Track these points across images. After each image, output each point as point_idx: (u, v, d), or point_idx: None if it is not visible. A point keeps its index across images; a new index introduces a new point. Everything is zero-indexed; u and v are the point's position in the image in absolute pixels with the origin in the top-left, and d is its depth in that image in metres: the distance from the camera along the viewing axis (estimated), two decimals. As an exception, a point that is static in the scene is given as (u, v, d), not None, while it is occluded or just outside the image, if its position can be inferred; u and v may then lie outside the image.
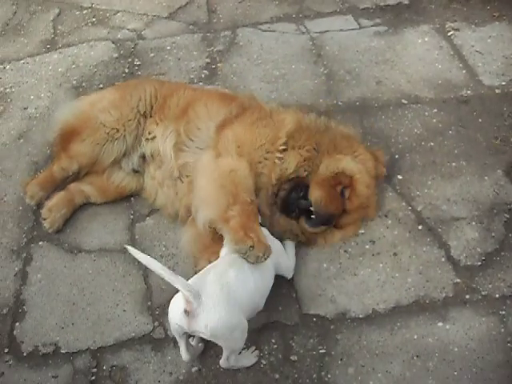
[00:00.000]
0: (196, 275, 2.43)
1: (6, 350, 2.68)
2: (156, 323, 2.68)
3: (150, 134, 3.12)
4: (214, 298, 2.26)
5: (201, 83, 3.87)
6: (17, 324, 2.76)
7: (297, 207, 2.78)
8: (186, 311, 2.24)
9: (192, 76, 3.94)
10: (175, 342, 2.58)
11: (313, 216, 2.76)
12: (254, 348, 2.55)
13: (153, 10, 4.67)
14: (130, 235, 3.03)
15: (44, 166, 3.45)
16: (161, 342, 2.61)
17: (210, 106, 3.07)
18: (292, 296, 2.71)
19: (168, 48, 4.21)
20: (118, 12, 4.71)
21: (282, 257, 2.69)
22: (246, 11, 4.52)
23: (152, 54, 4.18)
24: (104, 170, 3.19)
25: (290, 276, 2.73)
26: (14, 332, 2.73)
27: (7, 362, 2.64)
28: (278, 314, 2.65)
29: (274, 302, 2.68)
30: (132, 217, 3.12)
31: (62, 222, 3.11)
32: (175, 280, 2.20)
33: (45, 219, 3.09)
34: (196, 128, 3.01)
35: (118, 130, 3.11)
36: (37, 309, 2.79)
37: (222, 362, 2.45)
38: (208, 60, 4.07)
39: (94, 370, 2.56)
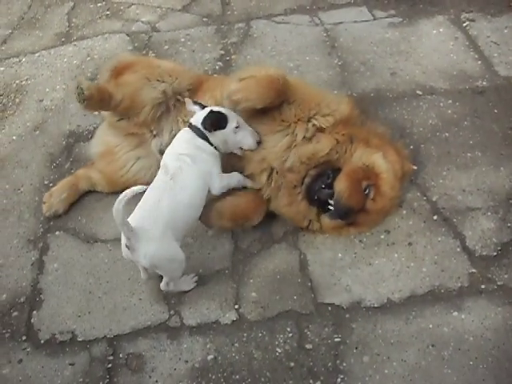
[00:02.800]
0: (135, 209, 2.55)
1: (24, 338, 2.71)
2: (172, 312, 2.69)
3: (185, 117, 3.04)
4: (150, 232, 2.45)
5: (215, 75, 3.88)
6: (34, 312, 2.79)
7: (318, 196, 2.77)
8: (126, 245, 2.46)
9: (206, 68, 3.95)
10: (191, 331, 2.61)
11: (331, 207, 2.76)
12: (194, 274, 2.76)
13: (167, 2, 4.69)
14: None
15: (59, 157, 3.49)
16: (176, 331, 2.63)
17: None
18: (307, 285, 2.72)
19: (182, 40, 4.22)
20: (132, 5, 4.73)
21: (211, 174, 2.72)
22: (260, 3, 4.52)
23: (166, 47, 4.19)
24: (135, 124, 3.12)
25: (215, 193, 2.76)
26: (32, 320, 2.76)
27: (25, 349, 2.67)
28: (293, 302, 2.66)
29: (289, 290, 2.70)
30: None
31: (61, 207, 3.15)
32: (115, 216, 2.34)
33: (44, 203, 3.14)
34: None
35: (169, 79, 3.05)
36: (53, 297, 2.82)
37: (162, 286, 2.66)
38: (222, 52, 4.08)
39: (111, 357, 2.58)
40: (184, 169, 2.63)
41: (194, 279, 2.76)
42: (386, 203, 2.80)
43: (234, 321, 2.63)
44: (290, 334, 2.56)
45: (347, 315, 2.60)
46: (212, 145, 2.72)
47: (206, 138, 2.71)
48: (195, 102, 2.82)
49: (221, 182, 2.73)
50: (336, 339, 2.53)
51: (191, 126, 2.74)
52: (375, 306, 2.62)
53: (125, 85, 3.04)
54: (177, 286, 2.70)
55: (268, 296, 2.70)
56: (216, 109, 2.75)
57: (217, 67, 3.95)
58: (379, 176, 2.76)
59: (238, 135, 2.75)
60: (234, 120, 2.74)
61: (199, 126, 2.71)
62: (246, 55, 4.01)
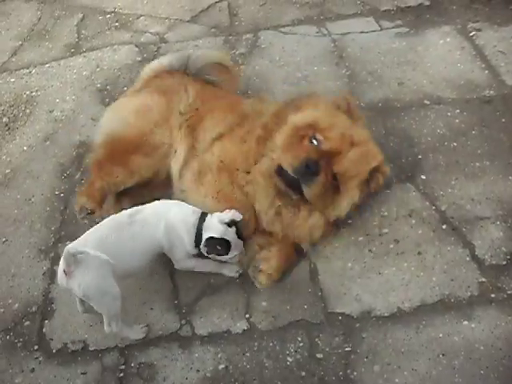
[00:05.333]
0: (81, 236, 2.59)
1: (36, 347, 2.73)
2: (183, 321, 2.71)
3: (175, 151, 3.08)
4: (89, 262, 2.41)
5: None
6: (46, 322, 2.81)
7: (288, 185, 2.73)
8: (64, 271, 2.43)
9: (215, 78, 3.97)
10: (202, 340, 2.63)
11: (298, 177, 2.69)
12: (145, 324, 2.69)
13: (175, 13, 4.73)
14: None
15: (70, 167, 3.52)
16: (188, 340, 2.64)
17: (215, 116, 3.06)
18: (317, 295, 2.73)
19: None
20: (141, 16, 4.77)
21: (176, 256, 2.72)
22: (268, 14, 4.55)
23: (175, 57, 4.22)
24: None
25: (175, 267, 2.78)
26: (44, 329, 2.79)
27: (37, 358, 2.69)
28: (304, 312, 2.67)
29: (300, 300, 2.71)
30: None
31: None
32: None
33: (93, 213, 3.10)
34: (197, 143, 3.03)
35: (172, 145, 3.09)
36: (65, 307, 2.84)
37: (106, 328, 2.56)
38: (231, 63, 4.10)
39: (122, 366, 2.60)
40: (149, 227, 2.62)
41: (143, 330, 2.67)
42: (337, 139, 2.71)
43: (244, 330, 2.64)
44: (301, 344, 2.58)
45: (357, 324, 2.61)
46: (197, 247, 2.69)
47: (198, 240, 2.65)
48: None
49: (184, 263, 2.76)
50: (346, 348, 2.54)
51: (202, 217, 2.67)
52: (385, 315, 2.63)
53: (141, 169, 3.06)
54: (123, 331, 2.61)
55: (279, 305, 2.71)
56: (230, 234, 2.64)
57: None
58: (312, 125, 2.74)
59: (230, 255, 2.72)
60: (235, 250, 2.70)
61: (204, 237, 2.62)
62: (255, 66, 4.04)
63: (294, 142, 2.74)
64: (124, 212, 2.70)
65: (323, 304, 2.70)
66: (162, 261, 2.87)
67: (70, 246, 2.41)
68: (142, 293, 2.82)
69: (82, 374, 2.61)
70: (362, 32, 4.20)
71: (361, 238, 2.93)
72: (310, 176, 2.65)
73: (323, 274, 2.80)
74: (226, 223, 2.63)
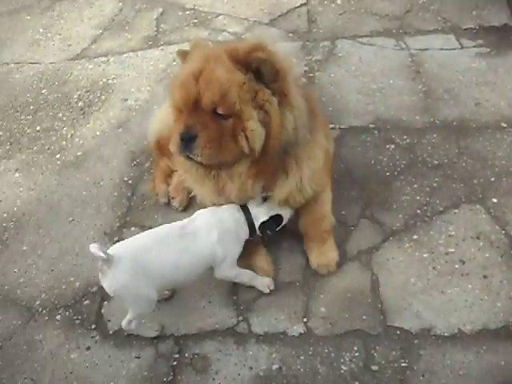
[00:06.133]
0: (127, 240, 2.61)
1: (94, 327, 2.79)
2: (240, 318, 2.72)
3: None
4: (125, 265, 2.42)
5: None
6: (105, 303, 2.87)
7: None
8: (100, 270, 2.43)
9: (289, 82, 3.98)
10: (258, 339, 2.63)
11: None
12: (160, 325, 2.70)
13: (254, 15, 4.76)
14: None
15: (140, 156, 3.58)
16: (243, 337, 2.65)
17: None
18: (377, 306, 2.70)
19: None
20: (220, 15, 4.82)
21: (222, 261, 2.64)
22: (346, 23, 4.54)
23: (250, 59, 4.25)
24: None
25: (216, 276, 2.71)
26: (102, 310, 2.84)
27: (93, 337, 2.75)
28: (362, 322, 2.64)
29: (359, 310, 2.68)
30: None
31: (187, 200, 3.19)
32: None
33: (173, 198, 3.21)
34: None
35: None
36: (125, 291, 2.88)
37: (124, 324, 2.60)
38: (306, 68, 4.11)
39: (176, 355, 2.62)
40: (201, 238, 2.59)
41: (159, 326, 2.70)
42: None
43: (301, 334, 2.63)
44: (357, 354, 2.55)
45: (416, 341, 2.57)
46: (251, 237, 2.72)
47: (252, 230, 2.69)
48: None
49: (229, 272, 2.70)
50: (403, 364, 2.50)
51: (245, 211, 2.69)
52: (445, 335, 2.58)
53: None
54: (139, 329, 2.65)
55: (337, 313, 2.69)
56: (273, 211, 2.69)
57: (300, 83, 3.97)
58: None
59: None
60: (287, 216, 2.75)
61: (255, 224, 2.67)
62: (330, 73, 4.04)
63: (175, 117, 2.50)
64: (175, 224, 2.67)
65: (382, 316, 2.66)
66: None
67: (93, 246, 2.38)
68: (202, 286, 2.84)
69: (136, 357, 2.64)
70: (441, 49, 4.14)
71: (425, 255, 2.88)
72: (190, 146, 2.35)
73: (385, 286, 2.77)
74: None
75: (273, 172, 2.50)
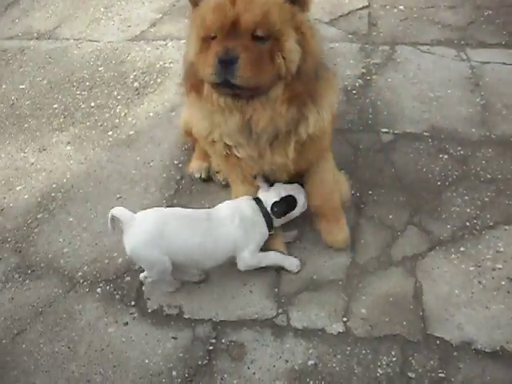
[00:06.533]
0: (155, 208, 2.73)
1: (133, 303, 2.81)
2: (280, 310, 2.71)
3: None
4: (143, 228, 2.54)
5: (354, 91, 3.90)
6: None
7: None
8: (122, 229, 2.56)
9: (346, 83, 3.97)
10: (296, 333, 2.62)
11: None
12: (178, 281, 2.81)
13: (315, 13, 4.66)
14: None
15: (189, 141, 3.60)
16: (281, 329, 2.64)
17: None
18: (418, 314, 2.66)
19: (326, 53, 4.24)
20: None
21: (246, 248, 2.70)
22: (407, 30, 4.50)
23: (309, 56, 4.24)
24: None
25: (240, 267, 2.76)
26: (142, 288, 2.86)
27: (132, 314, 2.77)
28: (402, 328, 2.61)
29: (400, 315, 2.65)
30: (271, 204, 3.17)
31: None
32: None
33: (217, 172, 3.25)
34: None
35: None
36: (167, 272, 2.91)
37: (141, 276, 2.78)
38: (364, 70, 4.09)
39: (213, 340, 2.63)
40: (225, 224, 2.67)
41: (178, 284, 2.81)
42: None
43: (340, 332, 2.61)
44: (394, 359, 2.52)
45: (455, 353, 2.53)
46: (270, 228, 2.77)
47: (268, 219, 2.75)
48: (264, 179, 2.82)
49: (251, 259, 2.73)
50: (440, 374, 2.47)
51: (258, 202, 2.77)
52: (486, 350, 2.53)
53: None
54: (158, 283, 2.78)
55: (377, 316, 2.66)
56: (284, 192, 2.77)
57: (357, 84, 3.96)
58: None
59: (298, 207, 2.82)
60: (301, 199, 2.82)
61: (268, 209, 2.74)
62: (387, 78, 4.01)
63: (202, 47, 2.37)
64: (202, 210, 2.79)
65: (423, 324, 2.63)
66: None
67: (118, 208, 2.56)
68: (244, 274, 2.83)
69: (172, 338, 2.66)
70: (503, 63, 4.07)
71: (471, 268, 2.84)
72: (231, 69, 2.23)
73: (428, 294, 2.73)
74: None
75: (307, 95, 2.47)
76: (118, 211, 2.52)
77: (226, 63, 2.21)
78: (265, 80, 2.31)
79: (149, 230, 2.54)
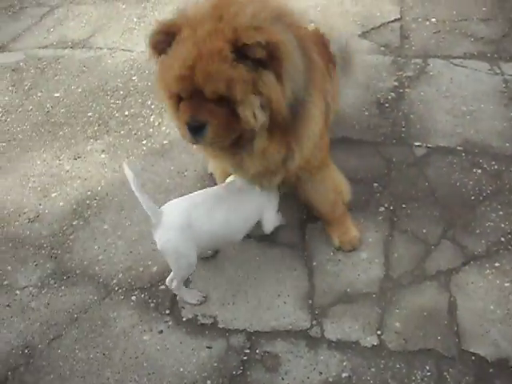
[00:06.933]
0: (179, 198, 2.74)
1: (167, 312, 2.84)
2: (314, 322, 2.72)
3: None
4: (171, 222, 2.56)
5: (387, 104, 3.91)
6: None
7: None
8: (152, 226, 2.60)
9: (378, 96, 3.98)
10: (330, 345, 2.63)
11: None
12: (203, 294, 2.86)
13: (346, 26, 4.77)
14: (301, 233, 3.11)
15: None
16: (316, 341, 2.65)
17: None
18: (453, 329, 2.66)
19: (359, 66, 4.25)
20: (312, 23, 4.83)
21: (269, 208, 2.80)
22: (440, 43, 4.50)
23: (341, 68, 4.26)
24: None
25: (267, 230, 2.83)
26: (177, 297, 2.88)
27: (167, 322, 2.80)
28: (436, 342, 2.61)
29: (434, 330, 2.65)
30: (305, 217, 3.19)
31: None
32: (140, 196, 2.49)
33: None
34: None
35: None
36: (201, 280, 2.93)
37: (167, 280, 2.79)
38: (396, 83, 4.09)
39: (247, 350, 2.64)
40: (246, 192, 2.73)
41: (200, 297, 2.85)
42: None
43: (374, 345, 2.62)
44: (429, 373, 2.52)
45: (491, 370, 2.51)
46: None
47: None
48: None
49: (276, 218, 2.85)
50: (476, 390, 2.46)
51: None
52: (524, 368, 2.52)
53: None
54: (180, 291, 2.81)
55: (412, 330, 2.66)
56: None
57: (389, 97, 3.97)
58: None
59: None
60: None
61: None
62: (420, 91, 4.01)
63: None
64: (218, 186, 2.86)
65: (457, 340, 2.62)
66: (302, 259, 2.93)
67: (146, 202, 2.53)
68: (278, 285, 2.86)
69: (207, 347, 2.68)
70: (539, 79, 4.06)
71: (507, 284, 2.82)
72: (200, 135, 2.28)
73: (462, 309, 2.73)
74: None
75: (289, 135, 2.47)
76: (146, 205, 2.52)
77: (195, 129, 2.26)
78: (233, 137, 2.34)
79: (176, 224, 2.57)
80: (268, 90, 2.23)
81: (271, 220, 2.82)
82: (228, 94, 2.18)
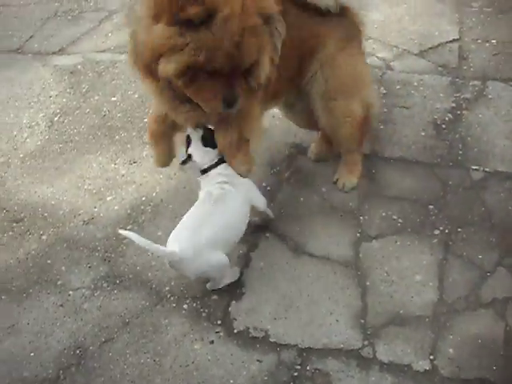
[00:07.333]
0: (177, 231, 2.81)
1: (219, 322, 2.85)
2: (366, 342, 2.71)
3: None
4: (190, 257, 2.67)
5: (444, 126, 3.88)
6: (233, 302, 2.92)
7: None
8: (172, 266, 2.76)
9: (435, 116, 3.95)
10: (381, 367, 2.61)
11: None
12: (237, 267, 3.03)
13: (404, 44, 4.75)
14: (354, 252, 3.10)
15: (279, 165, 3.66)
16: (367, 362, 2.64)
17: None
18: (509, 360, 2.60)
19: (415, 84, 4.26)
20: (370, 39, 4.80)
21: (252, 192, 3.01)
22: (499, 65, 4.44)
23: (398, 86, 4.24)
24: None
25: (264, 208, 3.09)
26: (229, 308, 2.90)
27: (218, 332, 2.81)
28: (492, 373, 2.56)
29: (489, 360, 2.61)
30: (359, 235, 3.19)
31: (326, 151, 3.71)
32: (152, 249, 2.69)
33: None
34: None
35: None
36: (254, 294, 2.94)
37: (208, 285, 2.98)
38: (453, 105, 4.05)
39: (298, 367, 2.64)
40: (230, 189, 2.85)
41: (236, 272, 3.01)
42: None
43: (426, 370, 2.59)
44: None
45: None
46: None
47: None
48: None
49: (263, 198, 3.06)
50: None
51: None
52: None
53: None
54: (222, 282, 2.94)
55: (466, 357, 2.63)
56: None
57: (446, 118, 3.94)
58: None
59: None
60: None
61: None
62: (478, 114, 3.96)
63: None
64: (202, 199, 2.92)
65: (511, 366, 2.59)
66: (355, 278, 2.92)
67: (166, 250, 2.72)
68: (330, 302, 2.86)
69: (257, 361, 2.68)
70: None
71: None
72: (232, 106, 2.54)
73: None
74: None
75: None
76: (160, 253, 2.72)
77: (230, 103, 2.50)
78: None
79: (196, 257, 2.69)
80: (276, 52, 2.58)
81: (260, 201, 3.04)
82: (256, 60, 2.45)
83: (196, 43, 2.28)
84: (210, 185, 2.89)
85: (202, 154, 2.89)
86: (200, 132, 2.87)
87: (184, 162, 2.95)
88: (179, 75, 2.39)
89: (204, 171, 2.91)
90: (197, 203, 2.92)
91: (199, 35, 2.26)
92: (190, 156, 2.91)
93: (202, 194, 2.93)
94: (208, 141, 2.87)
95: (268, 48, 2.49)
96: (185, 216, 2.88)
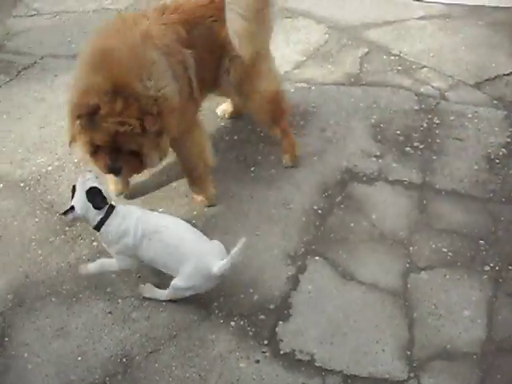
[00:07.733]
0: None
1: (266, 342, 2.89)
2: (411, 374, 2.72)
3: None
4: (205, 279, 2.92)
5: (497, 160, 3.87)
6: (280, 323, 2.96)
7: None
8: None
9: (489, 150, 3.95)
10: (425, 401, 2.62)
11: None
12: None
13: (460, 74, 4.74)
14: (403, 282, 3.12)
15: (332, 189, 3.68)
16: (412, 395, 2.65)
17: None
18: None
19: (469, 116, 4.25)
20: (424, 67, 4.84)
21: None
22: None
23: (452, 117, 4.24)
24: None
25: None
26: (276, 329, 2.94)
27: (264, 352, 2.85)
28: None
29: None
30: (408, 265, 3.20)
31: None
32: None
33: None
34: None
35: None
36: (301, 316, 2.98)
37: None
38: (508, 140, 4.04)
39: (343, 393, 2.67)
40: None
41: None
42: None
43: (471, 409, 2.60)
44: None
45: None
46: None
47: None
48: None
49: None
50: None
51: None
52: None
53: None
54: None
55: (511, 401, 2.63)
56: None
57: (500, 153, 3.93)
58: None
59: None
60: None
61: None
62: (533, 149, 3.95)
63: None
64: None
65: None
66: (402, 308, 2.93)
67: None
68: (377, 331, 2.88)
69: (302, 383, 2.71)
70: None
71: None
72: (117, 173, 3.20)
73: None
74: None
75: None
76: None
77: (114, 170, 3.11)
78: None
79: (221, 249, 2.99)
80: (165, 144, 3.13)
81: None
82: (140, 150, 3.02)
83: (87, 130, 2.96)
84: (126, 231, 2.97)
85: (84, 207, 2.91)
86: (88, 184, 2.93)
87: (65, 213, 2.93)
88: (86, 149, 3.04)
89: (97, 227, 2.96)
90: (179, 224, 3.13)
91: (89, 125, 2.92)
92: (72, 207, 2.90)
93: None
94: (93, 197, 2.91)
95: (151, 145, 3.04)
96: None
